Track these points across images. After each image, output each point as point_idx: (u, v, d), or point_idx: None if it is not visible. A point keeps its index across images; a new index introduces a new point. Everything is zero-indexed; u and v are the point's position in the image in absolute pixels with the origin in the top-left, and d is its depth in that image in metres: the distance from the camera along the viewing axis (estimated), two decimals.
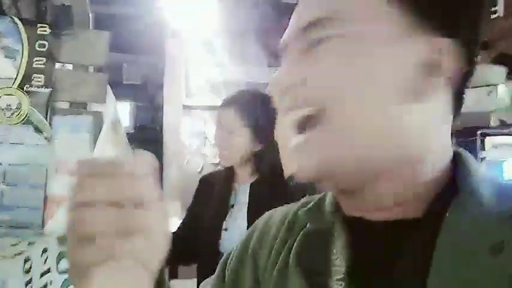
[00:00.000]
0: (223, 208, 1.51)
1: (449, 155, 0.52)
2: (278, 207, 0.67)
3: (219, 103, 3.61)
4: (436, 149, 0.50)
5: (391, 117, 0.48)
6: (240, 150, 1.48)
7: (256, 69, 3.37)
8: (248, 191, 1.51)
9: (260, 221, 0.67)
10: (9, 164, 1.21)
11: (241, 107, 1.49)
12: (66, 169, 1.22)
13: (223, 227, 1.47)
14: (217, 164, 3.50)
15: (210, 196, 1.57)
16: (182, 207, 3.20)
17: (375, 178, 0.49)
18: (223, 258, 0.70)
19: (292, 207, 0.64)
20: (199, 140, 3.57)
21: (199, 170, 3.50)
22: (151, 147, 3.49)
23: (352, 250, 0.51)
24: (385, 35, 0.47)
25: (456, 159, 0.52)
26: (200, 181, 1.71)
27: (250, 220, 1.42)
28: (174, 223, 3.02)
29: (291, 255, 0.56)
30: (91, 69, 1.27)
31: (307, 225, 0.58)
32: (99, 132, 1.24)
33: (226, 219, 1.49)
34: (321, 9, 0.49)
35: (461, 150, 0.54)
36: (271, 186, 1.40)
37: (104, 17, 2.68)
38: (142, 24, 3.31)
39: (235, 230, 1.47)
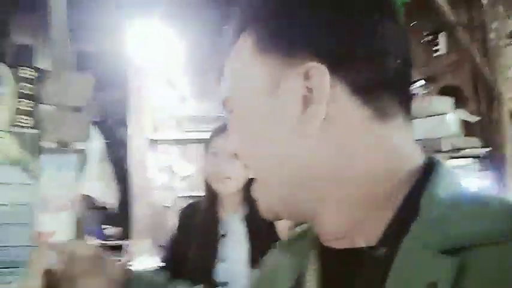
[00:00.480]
0: (213, 238, 1.49)
1: (410, 167, 0.47)
2: None
3: (185, 136, 3.69)
4: (375, 169, 0.47)
5: (296, 155, 0.48)
6: (244, 174, 1.41)
7: (218, 104, 3.46)
8: (240, 220, 1.48)
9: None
10: None
11: None
12: (54, 206, 1.26)
13: (220, 257, 1.43)
14: (187, 198, 3.52)
15: (194, 227, 1.55)
16: (153, 244, 3.19)
17: (315, 211, 0.50)
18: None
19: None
20: (166, 174, 3.59)
21: (168, 204, 3.50)
22: (118, 183, 3.47)
23: (322, 279, 0.52)
24: (262, 86, 0.49)
25: (429, 169, 0.47)
26: (181, 212, 1.69)
27: (254, 250, 1.40)
28: (145, 260, 3.00)
29: (287, 281, 0.58)
30: (74, 109, 1.33)
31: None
32: (84, 169, 1.29)
33: (219, 249, 1.45)
34: (227, 89, 0.57)
35: (436, 160, 0.49)
36: None
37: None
38: (105, 60, 3.35)
39: (235, 261, 1.44)
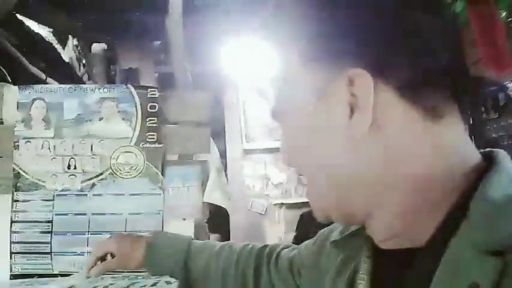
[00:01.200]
0: None
1: (465, 167, 0.46)
2: None
3: (276, 145, 3.77)
4: (427, 171, 0.46)
5: (345, 162, 0.48)
6: None
7: None
8: None
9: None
10: (129, 213, 1.37)
11: None
12: (180, 215, 1.37)
13: None
14: (281, 205, 3.59)
15: (312, 233, 1.62)
16: None
17: (367, 214, 0.50)
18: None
19: None
20: (261, 182, 3.68)
21: (263, 211, 3.59)
22: None
23: (373, 277, 0.53)
24: (309, 95, 0.50)
25: (487, 167, 0.46)
26: (300, 219, 1.75)
27: None
28: None
29: (340, 278, 0.60)
30: (196, 124, 1.43)
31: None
32: (206, 180, 1.38)
33: None
34: (275, 102, 0.58)
35: (496, 156, 0.47)
36: None
37: (165, 76, 2.88)
38: (200, 76, 3.52)
39: None
